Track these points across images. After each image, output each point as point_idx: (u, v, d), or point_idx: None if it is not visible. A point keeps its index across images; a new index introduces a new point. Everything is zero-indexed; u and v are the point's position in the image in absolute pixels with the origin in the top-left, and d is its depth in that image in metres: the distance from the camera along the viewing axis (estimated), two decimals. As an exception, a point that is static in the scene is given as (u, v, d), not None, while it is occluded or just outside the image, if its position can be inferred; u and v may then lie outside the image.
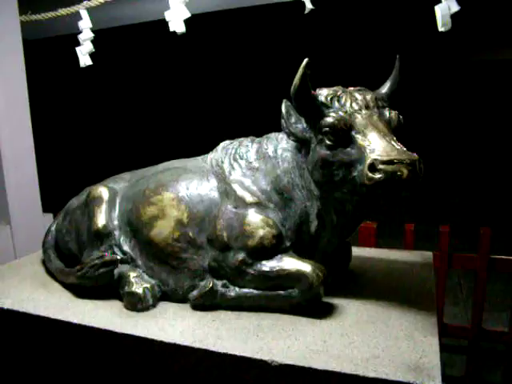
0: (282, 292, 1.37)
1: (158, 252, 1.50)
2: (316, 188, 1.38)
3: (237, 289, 1.41)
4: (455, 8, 1.75)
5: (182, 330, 1.31)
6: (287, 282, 1.35)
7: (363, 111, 1.30)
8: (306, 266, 1.34)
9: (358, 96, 1.34)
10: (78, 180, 3.56)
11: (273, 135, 1.54)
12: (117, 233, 1.60)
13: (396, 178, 1.17)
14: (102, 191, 1.68)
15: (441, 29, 1.81)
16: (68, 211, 1.79)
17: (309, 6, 1.91)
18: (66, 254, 1.75)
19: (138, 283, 1.47)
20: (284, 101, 1.43)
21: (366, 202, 1.31)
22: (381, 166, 1.17)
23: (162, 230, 1.50)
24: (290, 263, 1.36)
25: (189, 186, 1.54)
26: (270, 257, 1.38)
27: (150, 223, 1.53)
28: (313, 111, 1.33)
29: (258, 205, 1.43)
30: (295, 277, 1.34)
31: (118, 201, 1.67)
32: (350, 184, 1.28)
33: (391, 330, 1.26)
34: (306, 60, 1.29)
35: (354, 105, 1.31)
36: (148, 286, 1.47)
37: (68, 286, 1.63)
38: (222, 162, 1.56)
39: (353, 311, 1.37)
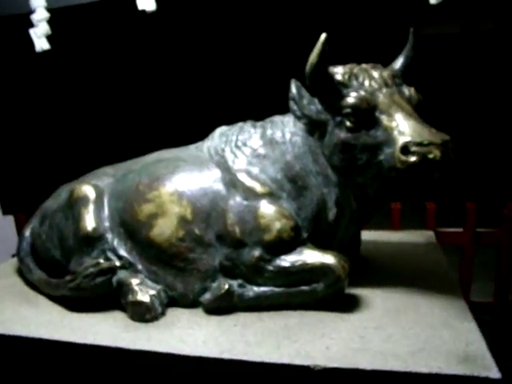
0: (305, 287, 1.28)
1: (161, 254, 1.36)
2: (334, 173, 1.29)
3: (255, 288, 1.31)
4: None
5: (204, 339, 1.19)
6: (311, 277, 1.27)
7: (384, 89, 1.22)
8: (330, 259, 1.26)
9: (375, 73, 1.25)
10: (40, 178, 3.26)
11: (277, 118, 1.42)
12: (109, 235, 1.44)
13: (429, 160, 1.10)
14: (87, 190, 1.50)
15: (432, 1, 1.76)
16: (46, 214, 1.60)
17: None
18: (48, 262, 1.56)
19: (143, 291, 1.32)
20: (293, 81, 1.32)
21: (390, 185, 1.24)
22: (414, 149, 1.10)
23: (164, 229, 1.36)
24: (311, 256, 1.27)
25: (188, 179, 1.40)
26: (289, 251, 1.28)
27: (148, 222, 1.38)
28: (330, 91, 1.23)
29: (270, 195, 1.32)
30: (320, 270, 1.25)
31: (105, 199, 1.50)
32: (375, 168, 1.20)
33: (425, 318, 1.21)
34: (324, 35, 1.18)
35: (373, 83, 1.23)
36: (154, 292, 1.33)
37: (57, 299, 1.46)
38: (223, 151, 1.43)
39: (378, 301, 1.31)
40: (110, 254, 1.42)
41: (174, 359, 1.14)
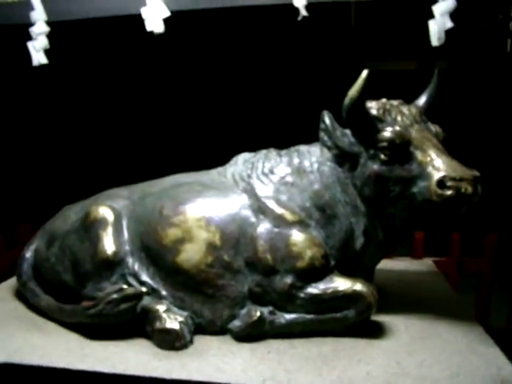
0: (336, 314, 1.30)
1: (189, 280, 1.34)
2: (363, 204, 1.34)
3: (286, 315, 1.32)
4: (449, 24, 1.84)
5: (242, 367, 1.18)
6: (342, 304, 1.30)
7: (415, 126, 1.30)
8: (360, 286, 1.30)
9: (405, 110, 1.33)
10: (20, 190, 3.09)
11: (303, 148, 1.47)
12: (130, 260, 1.41)
13: (461, 195, 1.18)
14: (105, 212, 1.46)
15: (435, 43, 1.89)
16: (54, 236, 1.53)
17: (303, 12, 1.87)
18: (56, 286, 1.49)
19: (171, 318, 1.30)
20: (325, 112, 1.37)
21: (419, 217, 1.31)
22: (450, 183, 1.18)
23: (192, 254, 1.35)
24: (342, 283, 1.31)
25: (215, 204, 1.40)
26: (320, 278, 1.31)
27: (174, 248, 1.36)
28: (366, 125, 1.30)
29: (300, 223, 1.35)
30: (351, 297, 1.29)
31: (124, 222, 1.46)
32: (407, 200, 1.27)
33: (450, 344, 1.27)
34: (366, 72, 1.24)
35: (404, 119, 1.30)
36: (183, 319, 1.31)
37: (69, 326, 1.39)
38: (249, 177, 1.45)
39: (401, 328, 1.36)
40: (130, 279, 1.39)
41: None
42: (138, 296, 1.31)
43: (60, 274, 1.49)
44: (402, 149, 1.26)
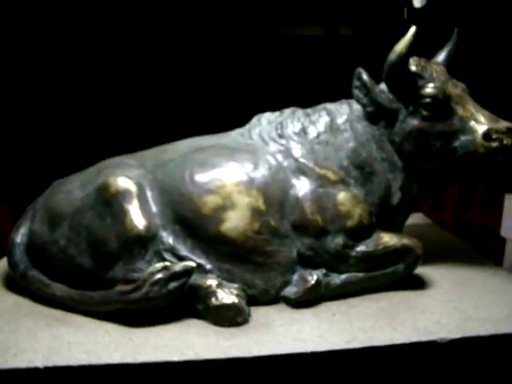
0: (387, 270, 1.32)
1: (237, 249, 1.25)
2: (400, 160, 1.35)
3: (339, 275, 1.30)
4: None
5: (318, 333, 1.14)
6: (391, 259, 1.32)
7: (449, 82, 1.33)
8: (408, 240, 1.33)
9: (436, 67, 1.35)
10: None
11: (330, 106, 1.43)
12: (163, 234, 1.26)
13: (504, 146, 1.25)
14: (127, 183, 1.28)
15: (417, 5, 1.95)
16: (61, 215, 1.31)
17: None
18: (67, 272, 1.29)
19: (227, 292, 1.20)
20: (361, 70, 1.33)
21: (456, 170, 1.36)
22: (495, 136, 1.24)
23: (237, 222, 1.25)
24: (390, 239, 1.32)
25: (251, 167, 1.31)
26: (368, 236, 1.31)
27: (216, 216, 1.25)
28: (407, 81, 1.29)
29: (343, 182, 1.33)
30: (401, 252, 1.31)
31: (148, 193, 1.30)
32: (447, 154, 1.30)
33: (486, 286, 1.37)
34: (414, 28, 1.23)
35: (440, 76, 1.32)
36: (238, 292, 1.22)
37: (96, 315, 1.21)
38: (281, 137, 1.37)
39: (436, 277, 1.42)
40: (167, 256, 1.25)
41: (302, 358, 1.07)
42: (189, 272, 1.18)
43: (74, 257, 1.28)
44: (443, 104, 1.28)
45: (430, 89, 1.27)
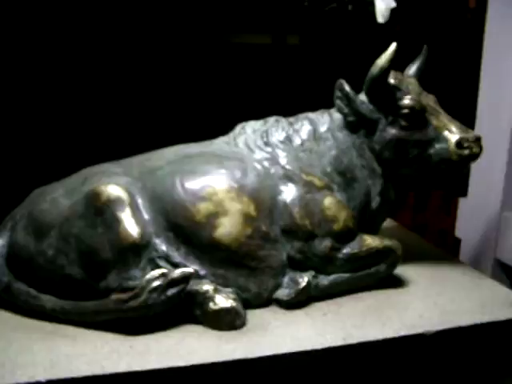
0: (370, 270, 1.40)
1: (231, 255, 1.28)
2: (379, 167, 1.44)
3: (327, 277, 1.37)
4: (393, 4, 2.05)
5: (315, 332, 1.20)
6: (374, 259, 1.40)
7: (422, 94, 1.44)
8: (388, 241, 1.42)
9: (411, 80, 1.46)
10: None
11: (312, 115, 1.50)
12: (156, 241, 1.27)
13: (473, 154, 1.38)
14: (118, 191, 1.27)
15: (380, 20, 2.08)
16: (48, 225, 1.28)
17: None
18: (55, 283, 1.26)
19: (224, 297, 1.23)
20: (342, 82, 1.42)
21: (428, 176, 1.48)
22: (466, 144, 1.36)
23: (230, 228, 1.28)
24: (373, 241, 1.41)
25: (240, 175, 1.35)
26: (352, 238, 1.39)
27: (209, 223, 1.28)
28: (387, 93, 1.39)
29: (328, 188, 1.40)
30: (383, 252, 1.40)
31: (139, 201, 1.30)
32: (423, 161, 1.41)
33: (460, 282, 1.48)
34: (395, 44, 1.33)
35: (415, 88, 1.44)
36: (234, 296, 1.25)
37: (90, 326, 1.20)
38: (267, 145, 1.43)
39: (413, 276, 1.50)
40: (161, 263, 1.25)
41: (303, 356, 1.12)
42: (187, 278, 1.20)
43: (63, 268, 1.25)
44: (420, 115, 1.39)
45: (408, 100, 1.38)
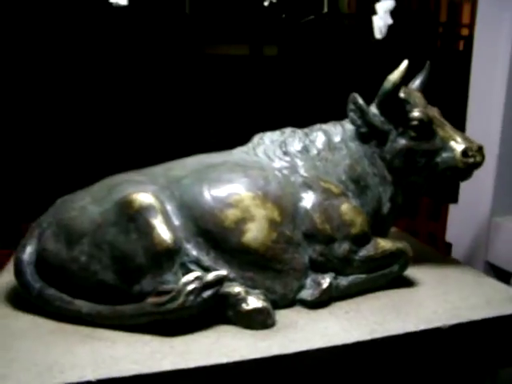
0: (384, 271, 1.50)
1: (259, 258, 1.35)
2: (389, 174, 1.55)
3: (345, 278, 1.45)
4: (390, 21, 2.19)
5: (341, 328, 1.28)
6: (388, 261, 1.50)
7: (428, 107, 1.56)
8: (400, 244, 1.52)
9: (417, 94, 1.58)
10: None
11: (325, 127, 1.59)
12: (187, 247, 1.33)
13: (477, 162, 1.50)
14: (150, 198, 1.33)
15: (378, 36, 2.22)
16: (79, 232, 1.32)
17: None
18: (87, 289, 1.30)
19: (255, 298, 1.30)
20: (356, 95, 1.52)
21: (434, 183, 1.59)
22: (470, 153, 1.48)
23: (257, 233, 1.36)
24: (386, 243, 1.50)
25: (263, 182, 1.43)
26: (368, 241, 1.48)
27: (237, 228, 1.35)
28: (397, 106, 1.50)
29: (344, 194, 1.49)
30: (396, 254, 1.50)
31: (169, 208, 1.36)
32: (430, 169, 1.53)
33: (463, 281, 1.59)
34: (406, 61, 1.44)
35: (422, 101, 1.55)
36: (264, 297, 1.32)
37: (123, 328, 1.24)
38: (286, 155, 1.51)
39: (419, 276, 1.61)
40: (192, 267, 1.31)
41: (334, 351, 1.20)
42: (221, 281, 1.26)
43: (96, 273, 1.29)
44: (428, 126, 1.50)
45: (417, 113, 1.49)
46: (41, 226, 1.40)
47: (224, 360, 1.12)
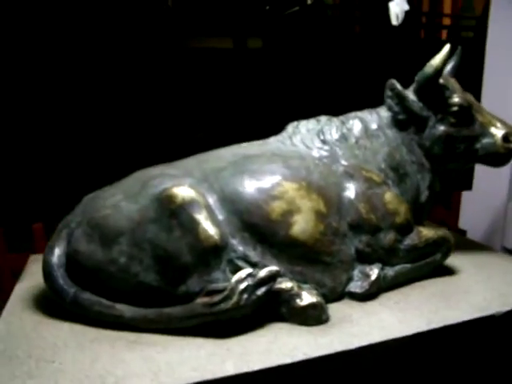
0: (428, 259, 1.46)
1: (307, 251, 1.29)
2: (427, 161, 1.51)
3: (392, 268, 1.41)
4: (406, 7, 2.15)
5: (396, 320, 1.23)
6: (431, 249, 1.46)
7: (465, 93, 1.53)
8: (441, 232, 1.49)
9: (452, 79, 1.54)
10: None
11: (361, 114, 1.54)
12: (234, 242, 1.26)
13: None
14: (192, 193, 1.25)
15: (394, 23, 2.17)
16: (117, 231, 1.23)
17: None
18: (127, 292, 1.22)
19: (309, 293, 1.24)
20: (394, 82, 1.47)
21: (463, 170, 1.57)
22: (511, 138, 1.46)
23: (304, 225, 1.30)
24: (429, 232, 1.46)
25: (305, 172, 1.37)
26: (411, 230, 1.44)
27: (284, 221, 1.28)
28: (436, 92, 1.46)
29: (385, 183, 1.45)
30: (439, 242, 1.46)
31: (210, 202, 1.28)
32: (470, 155, 1.50)
33: (497, 268, 1.57)
34: (448, 46, 1.40)
35: (458, 87, 1.52)
36: (316, 292, 1.26)
37: (169, 331, 1.17)
38: (324, 143, 1.46)
39: (459, 264, 1.58)
40: (240, 263, 1.24)
41: (395, 344, 1.15)
42: (274, 277, 1.19)
43: (137, 275, 1.21)
44: (467, 112, 1.47)
45: (457, 98, 1.45)
46: (69, 227, 1.30)
47: (287, 360, 1.06)
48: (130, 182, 1.35)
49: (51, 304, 1.27)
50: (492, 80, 2.11)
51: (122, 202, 1.28)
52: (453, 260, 1.58)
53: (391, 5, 2.13)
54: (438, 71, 1.41)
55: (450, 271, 1.52)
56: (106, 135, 3.70)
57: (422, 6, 7.65)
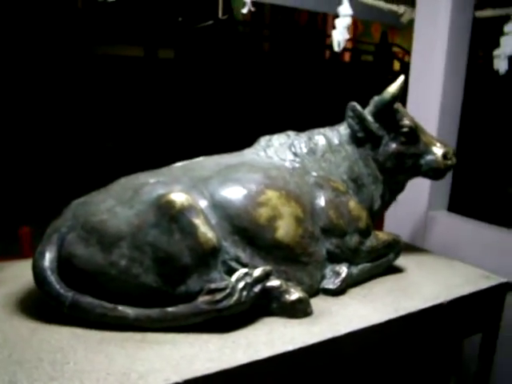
0: (383, 259, 1.68)
1: (290, 253, 1.44)
2: (380, 174, 1.75)
3: (356, 267, 1.60)
4: (347, 36, 2.43)
5: (370, 310, 1.42)
6: (386, 250, 1.69)
7: (410, 116, 1.80)
8: (393, 235, 1.73)
9: (399, 104, 1.81)
10: None
11: (323, 131, 1.73)
12: (226, 245, 1.36)
13: (453, 164, 1.78)
14: (189, 199, 1.33)
15: (336, 49, 2.43)
16: (118, 235, 1.27)
17: None
18: (126, 294, 1.26)
19: (295, 288, 1.38)
20: (354, 104, 1.69)
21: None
22: (449, 156, 1.75)
23: (287, 229, 1.44)
24: (383, 235, 1.69)
25: (282, 182, 1.52)
26: (370, 234, 1.66)
27: (270, 225, 1.42)
28: (391, 115, 1.70)
29: (348, 192, 1.65)
30: (392, 244, 1.69)
31: (203, 207, 1.38)
32: (415, 169, 1.76)
33: (442, 265, 1.84)
34: (403, 76, 1.66)
35: (405, 111, 1.78)
36: (300, 288, 1.41)
37: (174, 330, 1.24)
38: (296, 156, 1.62)
39: (406, 263, 1.84)
40: (232, 264, 1.35)
41: (376, 329, 1.34)
42: (268, 275, 1.31)
43: (138, 277, 1.26)
44: (414, 133, 1.73)
45: (407, 121, 1.70)
46: (59, 231, 1.31)
47: (290, 347, 1.18)
48: (118, 188, 1.39)
49: (42, 309, 1.26)
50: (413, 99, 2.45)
51: (116, 207, 1.31)
52: (398, 260, 1.83)
53: (334, 33, 2.38)
54: (395, 97, 1.66)
55: (398, 269, 1.76)
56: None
57: (326, 29, 8.29)
